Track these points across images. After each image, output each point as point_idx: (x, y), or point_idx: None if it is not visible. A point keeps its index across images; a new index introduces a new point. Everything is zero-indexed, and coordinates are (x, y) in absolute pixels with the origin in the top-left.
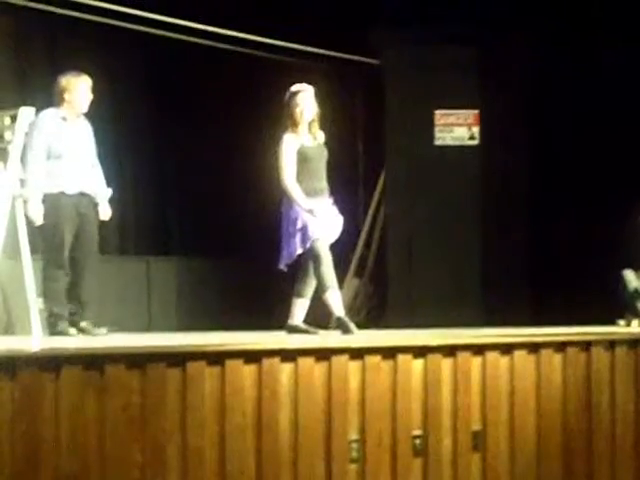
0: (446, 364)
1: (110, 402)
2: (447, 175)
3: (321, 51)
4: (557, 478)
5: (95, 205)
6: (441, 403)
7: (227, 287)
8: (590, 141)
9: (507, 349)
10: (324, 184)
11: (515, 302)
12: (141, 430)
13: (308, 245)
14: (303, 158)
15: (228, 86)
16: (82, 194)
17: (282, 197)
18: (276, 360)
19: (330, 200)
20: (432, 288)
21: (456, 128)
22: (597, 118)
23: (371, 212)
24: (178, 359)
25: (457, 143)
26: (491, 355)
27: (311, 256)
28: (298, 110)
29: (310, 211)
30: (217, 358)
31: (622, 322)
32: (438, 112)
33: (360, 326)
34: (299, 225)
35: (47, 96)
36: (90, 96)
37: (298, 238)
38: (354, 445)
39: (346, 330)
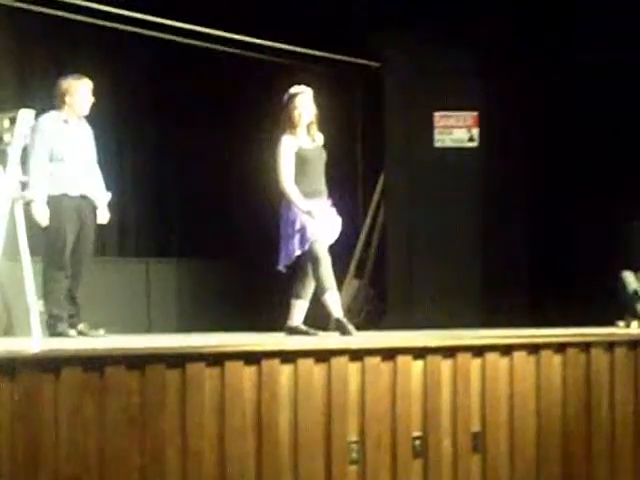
0: (446, 365)
1: (110, 403)
2: (446, 177)
3: (321, 53)
4: (557, 479)
5: (94, 208)
6: (441, 404)
7: (226, 288)
8: (589, 143)
9: (507, 350)
10: (322, 186)
11: (515, 303)
12: (141, 431)
13: (306, 247)
14: (301, 160)
15: (227, 88)
16: (83, 197)
17: (281, 199)
18: (276, 361)
19: (328, 202)
20: (431, 289)
21: (455, 130)
22: (596, 120)
23: (370, 214)
24: (178, 360)
25: (456, 145)
26: (491, 356)
27: (310, 258)
28: (296, 112)
29: (308, 213)
30: (217, 359)
31: (621, 323)
32: (437, 114)
33: (360, 327)
34: (297, 227)
35: (46, 98)
36: (91, 99)
37: (296, 240)
38: (354, 446)
39: (345, 331)
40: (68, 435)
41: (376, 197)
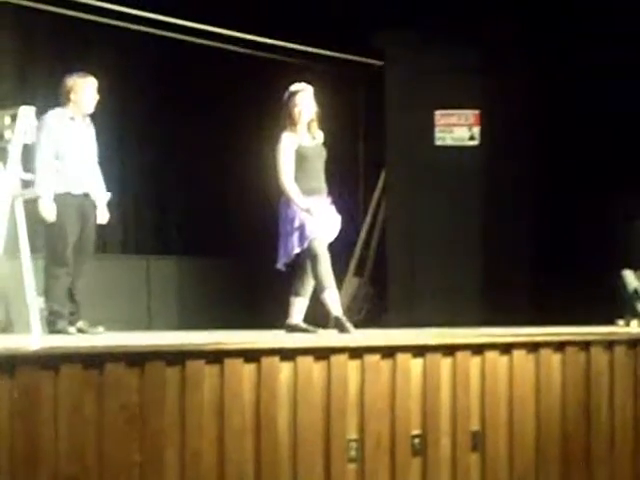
0: (445, 363)
1: (109, 400)
2: (447, 175)
3: (323, 52)
4: (556, 477)
5: (96, 207)
6: (440, 403)
7: (227, 286)
8: (591, 142)
9: (506, 349)
10: (322, 183)
11: (514, 302)
12: (140, 428)
13: (306, 244)
14: (301, 157)
15: (229, 86)
16: (85, 195)
17: (280, 196)
18: (275, 359)
19: (328, 199)
20: (431, 287)
21: (456, 128)
22: (597, 119)
23: (371, 211)
24: (177, 358)
25: (457, 144)
26: (490, 355)
27: (309, 255)
28: (297, 110)
29: (308, 210)
30: (216, 357)
31: (621, 322)
32: (438, 112)
33: (359, 325)
34: (297, 224)
35: (47, 95)
36: (96, 97)
37: (296, 237)
38: (353, 444)
39: (343, 329)
40: (67, 432)
41: (377, 195)
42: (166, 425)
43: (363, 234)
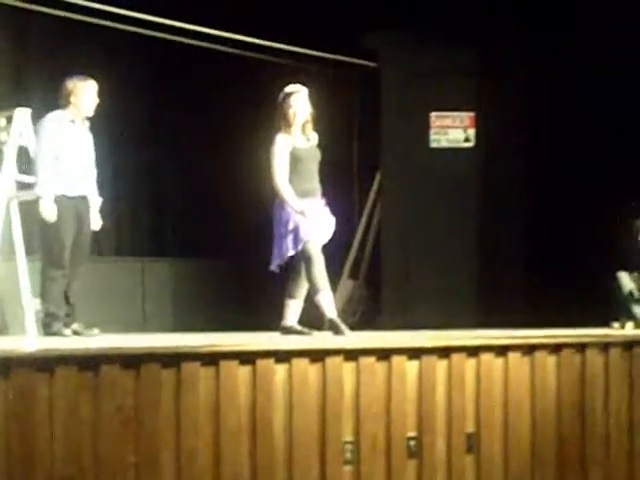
0: (440, 365)
1: (105, 402)
2: (442, 177)
3: (318, 53)
4: (551, 479)
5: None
6: (435, 405)
7: (221, 288)
8: (586, 143)
9: (502, 351)
10: (316, 185)
11: (510, 304)
12: (135, 430)
13: (300, 247)
14: (296, 159)
15: (224, 89)
16: (82, 197)
17: (274, 198)
18: (270, 361)
19: (322, 201)
20: (427, 290)
21: (451, 130)
22: (593, 120)
23: (366, 213)
24: (173, 360)
25: (452, 145)
26: (485, 357)
27: (303, 257)
28: (291, 111)
29: (302, 212)
30: (211, 359)
31: (616, 324)
32: (434, 114)
33: (354, 327)
34: (291, 226)
35: (43, 97)
36: (96, 100)
37: (290, 239)
38: (348, 446)
39: (338, 331)
40: (63, 434)
41: (372, 197)
42: (161, 427)
43: (358, 236)
